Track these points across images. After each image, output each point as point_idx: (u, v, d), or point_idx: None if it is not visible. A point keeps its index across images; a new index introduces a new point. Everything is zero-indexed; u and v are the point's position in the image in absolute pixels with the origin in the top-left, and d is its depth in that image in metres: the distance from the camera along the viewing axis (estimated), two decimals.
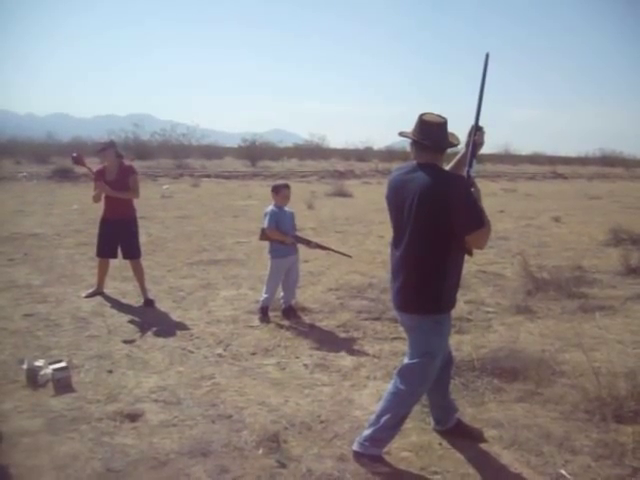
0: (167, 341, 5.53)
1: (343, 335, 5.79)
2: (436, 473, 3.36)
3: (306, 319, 6.22)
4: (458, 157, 3.52)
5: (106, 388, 4.45)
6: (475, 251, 3.26)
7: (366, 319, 6.21)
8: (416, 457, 3.53)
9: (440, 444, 3.68)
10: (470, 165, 3.31)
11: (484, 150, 3.58)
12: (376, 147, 56.32)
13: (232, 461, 3.45)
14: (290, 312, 6.26)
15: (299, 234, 6.36)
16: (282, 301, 6.30)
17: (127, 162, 6.95)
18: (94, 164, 6.98)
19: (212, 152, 45.70)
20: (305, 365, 5.00)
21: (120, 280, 7.62)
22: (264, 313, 6.18)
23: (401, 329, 4.69)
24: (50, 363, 4.56)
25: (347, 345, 5.49)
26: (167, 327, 5.93)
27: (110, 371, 4.79)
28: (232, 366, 4.96)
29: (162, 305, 6.68)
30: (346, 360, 5.12)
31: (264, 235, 6.11)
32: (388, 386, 3.56)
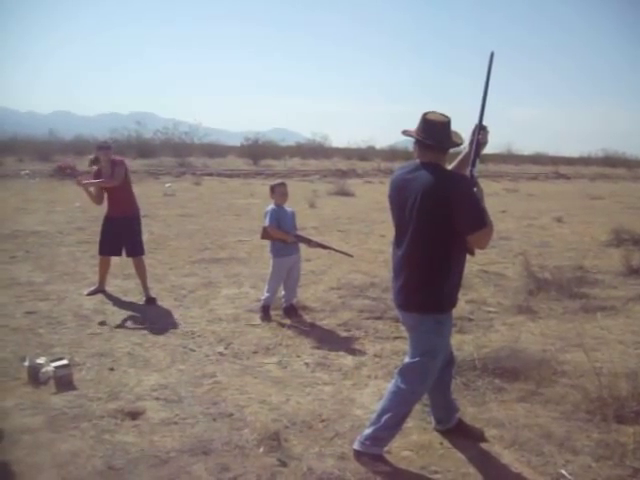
0: (168, 339, 5.54)
1: (344, 334, 5.79)
2: (437, 472, 3.37)
3: (307, 318, 6.22)
4: (461, 156, 3.51)
5: (107, 386, 4.46)
6: (477, 251, 3.26)
7: (368, 318, 6.21)
8: (417, 456, 3.53)
9: (441, 443, 3.69)
10: (473, 165, 3.30)
11: (486, 150, 3.56)
12: (378, 146, 56.26)
13: (233, 459, 3.45)
14: (291, 311, 6.26)
15: (300, 233, 6.36)
16: (283, 300, 6.30)
17: (117, 157, 6.91)
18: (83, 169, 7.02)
19: (214, 150, 45.66)
20: (306, 364, 5.00)
21: (122, 278, 7.63)
22: (265, 312, 6.18)
23: (402, 328, 4.69)
24: (52, 361, 4.56)
25: (348, 344, 5.50)
26: (169, 325, 5.93)
27: (111, 369, 4.80)
28: (233, 364, 4.96)
29: (164, 303, 6.69)
30: (347, 359, 5.12)
31: (266, 234, 6.11)
32: (389, 385, 3.56)
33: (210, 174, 27.72)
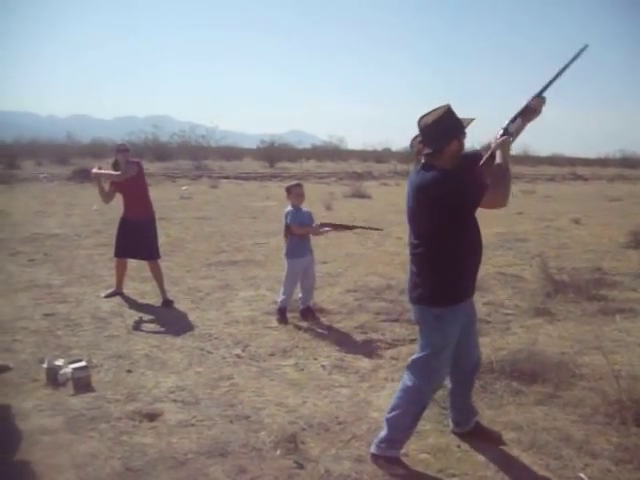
0: (186, 341, 5.56)
1: (361, 336, 5.78)
2: (454, 475, 3.35)
3: (324, 320, 6.22)
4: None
5: (125, 388, 4.48)
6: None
7: (384, 321, 6.20)
8: (434, 459, 3.52)
9: (458, 446, 3.67)
10: (512, 120, 3.29)
11: None
12: (394, 148, 56.17)
13: (250, 461, 3.46)
14: (308, 313, 6.26)
15: (323, 222, 6.36)
16: (300, 302, 6.31)
17: (134, 159, 6.96)
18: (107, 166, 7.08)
19: (231, 153, 45.86)
20: (323, 366, 5.00)
21: (139, 281, 7.67)
22: (282, 314, 6.18)
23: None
24: (70, 362, 4.60)
25: (365, 347, 5.49)
26: (186, 327, 5.96)
27: (129, 371, 4.83)
28: (250, 367, 4.97)
29: (181, 306, 6.72)
30: (364, 361, 5.12)
31: (289, 231, 6.12)
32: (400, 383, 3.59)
33: (227, 177, 27.84)
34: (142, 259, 7.00)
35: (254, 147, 47.65)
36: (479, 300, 5.18)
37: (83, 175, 22.29)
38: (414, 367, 3.44)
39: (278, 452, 3.55)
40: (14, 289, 7.23)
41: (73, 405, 4.18)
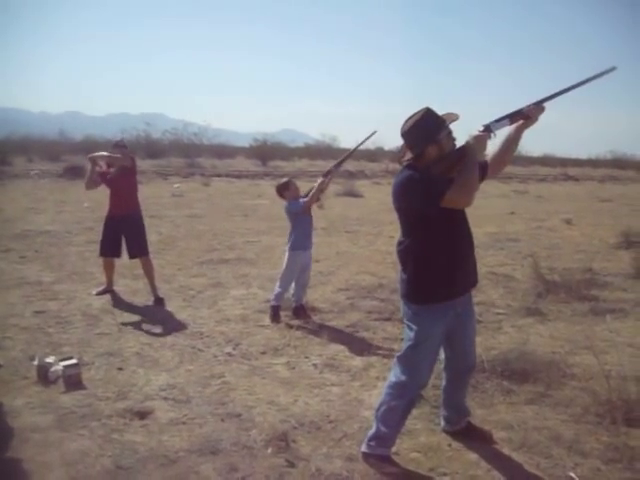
0: (177, 339, 5.55)
1: (353, 335, 5.79)
2: (445, 474, 3.36)
3: (316, 319, 6.22)
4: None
5: (116, 385, 4.47)
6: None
7: (376, 319, 6.20)
8: (425, 458, 3.53)
9: (449, 445, 3.68)
10: (497, 120, 3.26)
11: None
12: (387, 147, 56.21)
13: (241, 460, 3.46)
14: (301, 311, 6.25)
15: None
16: (293, 299, 6.30)
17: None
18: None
19: (223, 151, 45.66)
20: (314, 365, 5.00)
21: (131, 278, 7.65)
22: (275, 312, 6.16)
23: None
24: (61, 360, 4.59)
25: (357, 345, 5.49)
26: (177, 325, 5.95)
27: (120, 368, 4.82)
28: (241, 365, 4.97)
29: (172, 304, 6.71)
30: (356, 360, 5.12)
31: (307, 208, 6.19)
32: None
33: (219, 175, 27.74)
34: (132, 256, 6.95)
35: (247, 145, 47.49)
36: None
37: (74, 172, 22.19)
38: (398, 362, 3.45)
39: (269, 450, 3.55)
40: (5, 286, 7.20)
41: (64, 403, 4.16)
